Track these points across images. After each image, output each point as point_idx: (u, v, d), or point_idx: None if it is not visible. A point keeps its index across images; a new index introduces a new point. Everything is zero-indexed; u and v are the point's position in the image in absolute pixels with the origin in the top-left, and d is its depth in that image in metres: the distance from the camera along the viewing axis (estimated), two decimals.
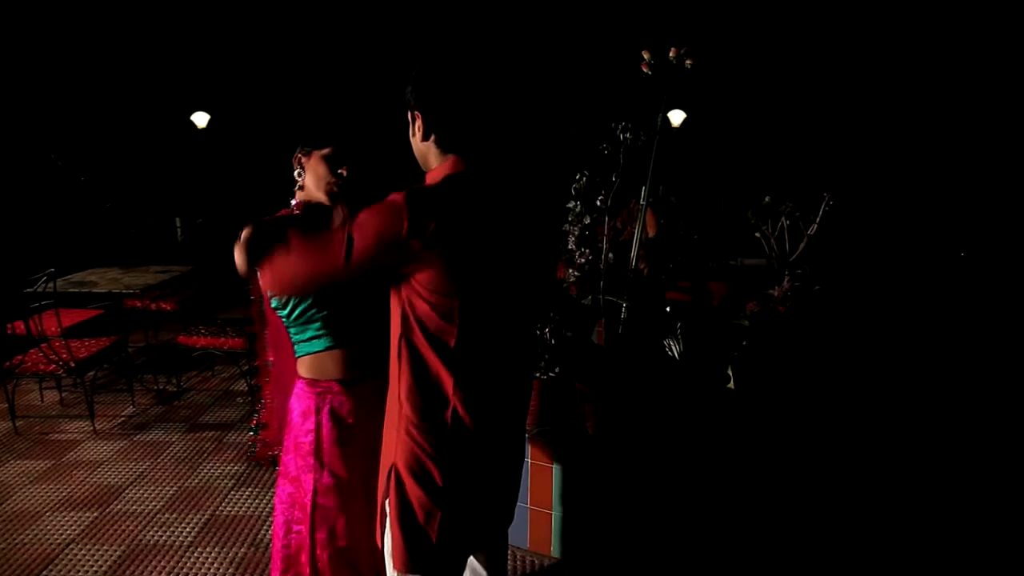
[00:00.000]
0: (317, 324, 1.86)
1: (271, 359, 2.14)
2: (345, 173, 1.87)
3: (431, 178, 1.49)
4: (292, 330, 1.90)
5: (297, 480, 1.93)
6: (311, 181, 1.89)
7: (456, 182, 1.43)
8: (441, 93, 1.45)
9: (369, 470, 1.93)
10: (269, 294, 1.84)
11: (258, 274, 1.86)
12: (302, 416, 1.93)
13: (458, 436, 1.48)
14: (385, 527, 1.55)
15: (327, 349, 1.88)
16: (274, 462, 2.36)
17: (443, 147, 1.47)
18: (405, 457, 1.49)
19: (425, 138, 1.47)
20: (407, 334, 1.45)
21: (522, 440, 1.75)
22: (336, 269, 1.41)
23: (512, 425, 1.65)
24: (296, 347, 1.92)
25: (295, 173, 1.94)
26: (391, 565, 1.55)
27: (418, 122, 1.47)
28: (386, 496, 1.53)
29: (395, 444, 1.52)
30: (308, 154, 1.90)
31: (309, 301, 1.82)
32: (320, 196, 1.89)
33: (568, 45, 11.07)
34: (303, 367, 1.93)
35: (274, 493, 2.06)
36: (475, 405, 1.48)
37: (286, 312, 1.86)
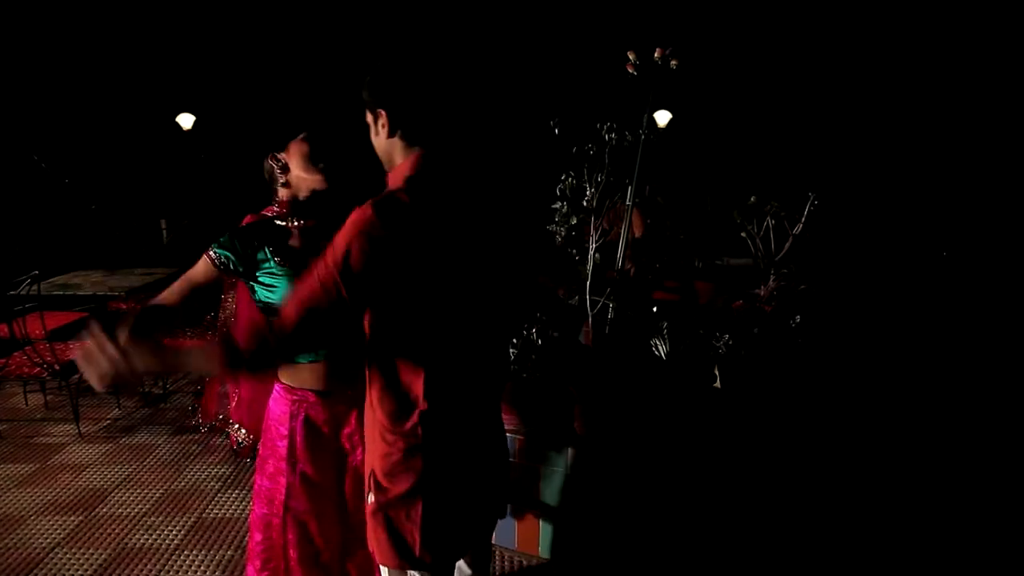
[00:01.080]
0: None
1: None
2: (333, 148, 1.83)
3: (393, 180, 1.48)
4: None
5: (273, 479, 1.94)
6: (299, 167, 1.84)
7: (418, 183, 1.42)
8: (404, 84, 1.44)
9: (342, 476, 1.95)
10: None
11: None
12: (278, 420, 1.93)
13: (431, 437, 1.49)
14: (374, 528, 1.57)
15: (310, 361, 1.86)
16: (213, 429, 2.34)
17: (408, 140, 1.46)
18: (381, 462, 1.51)
19: (391, 134, 1.46)
20: (376, 339, 1.46)
21: (502, 433, 1.76)
22: (341, 304, 1.34)
23: (487, 420, 1.67)
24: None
25: (278, 169, 1.89)
26: (381, 561, 1.57)
27: (382, 119, 1.46)
28: (370, 497, 1.55)
29: (372, 449, 1.55)
30: (285, 147, 1.86)
31: None
32: (313, 178, 1.84)
33: (554, 45, 11.08)
34: (283, 372, 1.92)
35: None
36: (447, 405, 1.49)
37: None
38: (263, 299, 1.82)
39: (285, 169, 1.88)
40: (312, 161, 1.83)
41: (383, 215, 1.33)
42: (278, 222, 1.89)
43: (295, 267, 1.79)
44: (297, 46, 11.12)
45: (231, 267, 1.80)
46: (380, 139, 1.49)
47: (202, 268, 1.81)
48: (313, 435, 1.90)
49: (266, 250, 1.81)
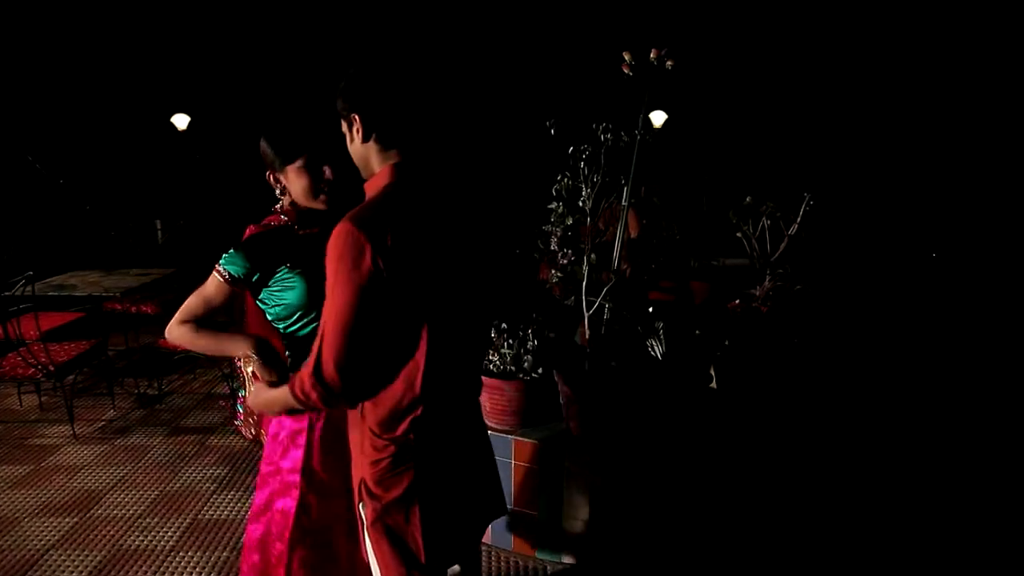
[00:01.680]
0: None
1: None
2: (331, 175, 1.77)
3: (370, 189, 1.47)
4: (289, 352, 1.85)
5: (279, 496, 1.90)
6: (298, 192, 1.80)
7: (396, 191, 1.41)
8: (374, 86, 1.43)
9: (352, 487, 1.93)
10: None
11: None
12: (290, 435, 1.89)
13: (423, 439, 1.48)
14: (366, 540, 1.56)
15: None
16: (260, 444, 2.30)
17: (384, 144, 1.45)
18: (371, 469, 1.50)
19: (366, 139, 1.44)
20: None
21: (484, 432, 1.77)
22: (364, 315, 1.34)
23: (470, 419, 1.68)
24: (293, 366, 1.86)
25: (277, 191, 1.86)
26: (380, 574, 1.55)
27: (356, 124, 1.44)
28: (361, 507, 1.54)
29: (358, 458, 1.54)
30: (282, 170, 1.81)
31: (311, 316, 1.78)
32: (313, 203, 1.81)
33: (551, 46, 11.09)
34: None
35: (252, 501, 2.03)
36: (437, 408, 1.49)
37: (284, 326, 1.82)
38: (279, 302, 1.80)
39: (284, 192, 1.85)
40: (313, 195, 1.79)
41: (363, 228, 1.31)
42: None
43: (306, 270, 1.78)
44: (295, 46, 11.11)
45: (242, 280, 1.78)
46: (356, 145, 1.48)
47: (213, 287, 1.80)
48: (331, 436, 1.87)
49: (279, 260, 1.80)
